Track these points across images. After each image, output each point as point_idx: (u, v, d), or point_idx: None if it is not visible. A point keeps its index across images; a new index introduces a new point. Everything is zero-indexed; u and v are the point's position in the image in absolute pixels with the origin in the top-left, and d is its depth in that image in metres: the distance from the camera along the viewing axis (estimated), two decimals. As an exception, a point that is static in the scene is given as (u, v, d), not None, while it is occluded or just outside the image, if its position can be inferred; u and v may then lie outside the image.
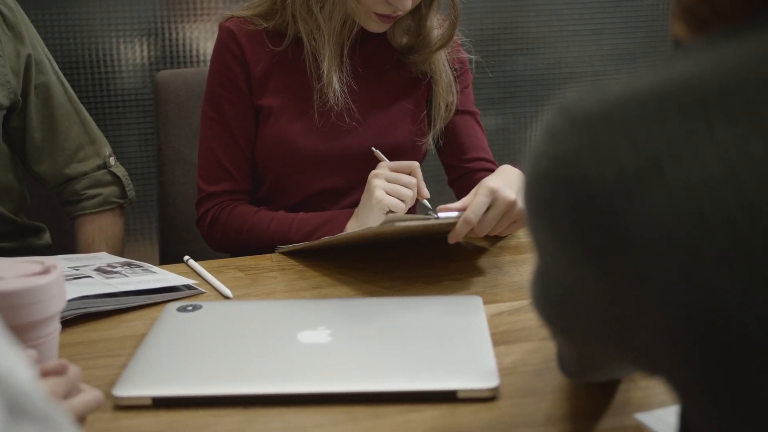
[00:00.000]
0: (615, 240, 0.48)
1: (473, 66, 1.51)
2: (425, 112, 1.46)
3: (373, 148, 1.35)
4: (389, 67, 1.44)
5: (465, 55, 1.50)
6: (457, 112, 1.47)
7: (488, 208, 1.14)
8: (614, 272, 0.48)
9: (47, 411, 0.41)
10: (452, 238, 1.17)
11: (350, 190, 1.42)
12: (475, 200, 1.14)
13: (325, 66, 1.34)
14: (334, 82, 1.34)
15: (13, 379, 0.40)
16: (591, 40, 2.46)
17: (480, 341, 0.93)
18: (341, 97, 1.36)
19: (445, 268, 1.22)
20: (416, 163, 1.27)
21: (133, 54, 2.11)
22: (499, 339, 0.97)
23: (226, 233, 1.40)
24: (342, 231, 1.27)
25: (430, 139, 1.45)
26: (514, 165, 1.28)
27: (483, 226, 1.15)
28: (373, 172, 1.26)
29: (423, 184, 1.27)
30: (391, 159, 1.42)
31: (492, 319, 1.03)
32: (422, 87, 1.46)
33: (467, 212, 1.13)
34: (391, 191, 1.23)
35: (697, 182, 0.45)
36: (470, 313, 1.01)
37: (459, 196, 1.48)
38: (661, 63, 0.51)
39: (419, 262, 1.24)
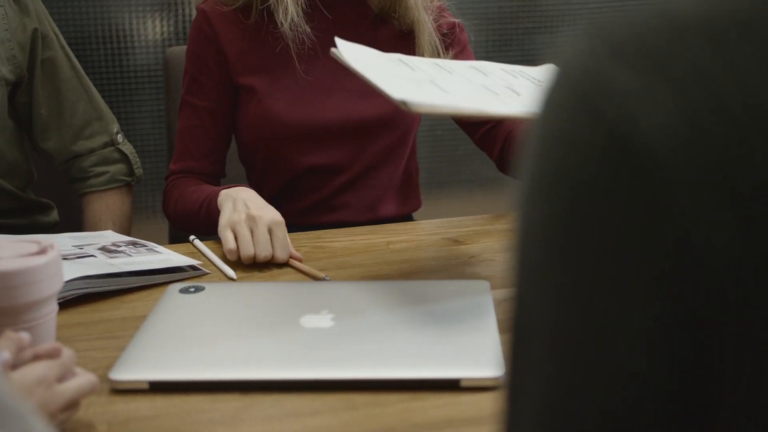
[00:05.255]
0: None
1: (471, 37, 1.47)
2: None
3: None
4: (366, 24, 1.40)
5: (453, 19, 1.46)
6: None
7: None
8: None
9: (13, 408, 0.40)
10: None
11: (340, 167, 1.39)
12: None
13: None
14: (290, 9, 1.30)
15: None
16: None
17: (486, 328, 0.91)
18: (299, 23, 1.31)
19: (454, 251, 1.19)
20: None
21: (145, 30, 2.08)
22: (507, 326, 0.94)
23: (167, 208, 1.42)
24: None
25: None
26: None
27: None
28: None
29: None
30: (382, 128, 1.38)
31: (501, 304, 1.00)
32: (408, 48, 1.39)
33: None
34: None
35: None
36: (477, 299, 0.99)
37: (490, 153, 1.43)
38: None
39: (428, 245, 1.22)
